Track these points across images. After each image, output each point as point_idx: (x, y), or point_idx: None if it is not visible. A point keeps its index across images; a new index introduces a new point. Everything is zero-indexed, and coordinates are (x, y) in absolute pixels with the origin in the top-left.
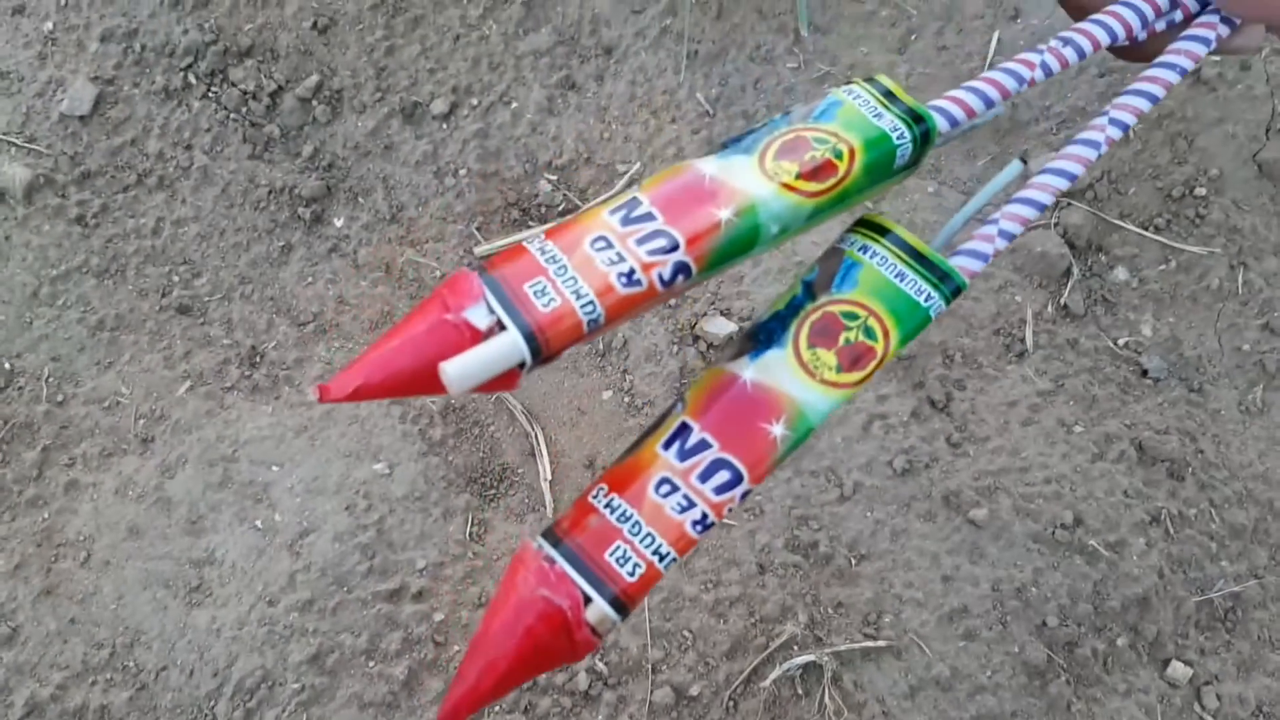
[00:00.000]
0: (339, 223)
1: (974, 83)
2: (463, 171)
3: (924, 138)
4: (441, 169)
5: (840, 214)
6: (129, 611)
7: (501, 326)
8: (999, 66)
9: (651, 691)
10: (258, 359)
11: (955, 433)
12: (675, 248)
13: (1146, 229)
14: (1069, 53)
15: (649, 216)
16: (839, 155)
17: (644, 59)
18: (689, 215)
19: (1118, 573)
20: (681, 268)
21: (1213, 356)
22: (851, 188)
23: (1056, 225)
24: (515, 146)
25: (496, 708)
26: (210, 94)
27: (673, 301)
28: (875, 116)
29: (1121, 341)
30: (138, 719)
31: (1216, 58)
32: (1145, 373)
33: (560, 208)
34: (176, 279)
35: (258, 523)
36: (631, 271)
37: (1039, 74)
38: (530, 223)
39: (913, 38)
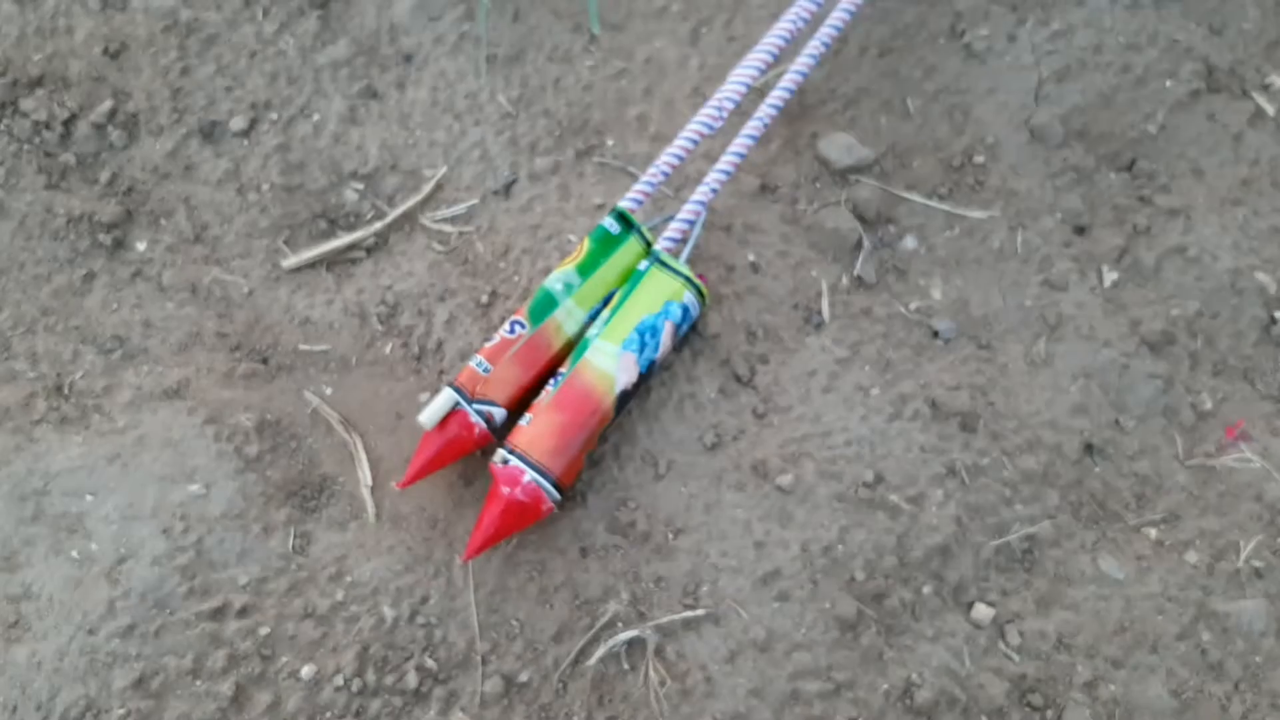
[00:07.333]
0: (141, 247)
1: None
2: (265, 186)
3: (620, 216)
4: (244, 185)
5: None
6: None
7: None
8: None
9: (482, 683)
10: (65, 390)
11: (760, 405)
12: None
13: (931, 198)
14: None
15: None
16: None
17: (444, 64)
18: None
19: (919, 524)
20: (516, 322)
21: (998, 314)
22: (590, 252)
23: (846, 201)
24: (319, 158)
25: (328, 713)
26: (1, 127)
27: (484, 299)
28: (603, 222)
29: (913, 306)
30: None
31: (985, 32)
32: (936, 334)
33: (369, 216)
34: None
35: (73, 553)
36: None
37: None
38: (339, 232)
39: (703, 30)
